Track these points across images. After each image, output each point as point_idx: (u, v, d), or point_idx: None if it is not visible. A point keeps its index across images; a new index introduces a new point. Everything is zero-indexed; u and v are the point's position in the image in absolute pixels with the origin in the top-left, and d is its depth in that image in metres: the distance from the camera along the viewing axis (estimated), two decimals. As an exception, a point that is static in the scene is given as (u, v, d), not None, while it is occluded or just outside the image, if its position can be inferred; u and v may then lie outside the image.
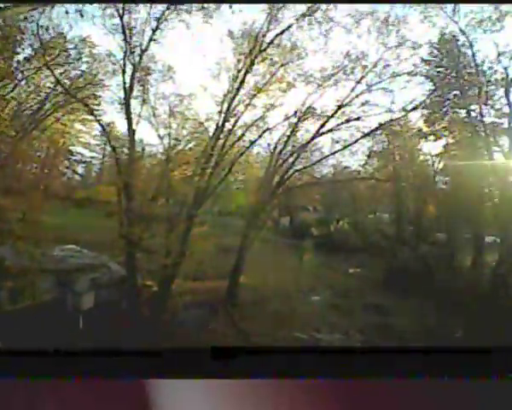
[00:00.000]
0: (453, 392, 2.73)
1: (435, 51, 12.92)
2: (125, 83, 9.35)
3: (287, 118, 10.35)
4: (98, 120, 9.81)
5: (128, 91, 9.32)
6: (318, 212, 17.08)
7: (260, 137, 9.98)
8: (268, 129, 10.01)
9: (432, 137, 13.87)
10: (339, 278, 12.23)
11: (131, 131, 9.23)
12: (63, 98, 13.16)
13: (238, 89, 10.27)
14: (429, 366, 2.86)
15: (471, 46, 10.81)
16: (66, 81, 12.55)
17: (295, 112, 10.47)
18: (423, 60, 12.89)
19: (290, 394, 2.81)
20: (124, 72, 9.34)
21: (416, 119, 13.31)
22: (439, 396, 2.74)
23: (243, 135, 9.94)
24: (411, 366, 2.87)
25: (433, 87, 13.02)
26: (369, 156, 15.19)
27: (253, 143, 9.91)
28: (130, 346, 5.92)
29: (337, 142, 10.92)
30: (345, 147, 11.21)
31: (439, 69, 13.39)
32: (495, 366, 2.84)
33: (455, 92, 13.21)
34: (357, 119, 10.82)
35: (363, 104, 11.27)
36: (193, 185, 9.52)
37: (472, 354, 2.95)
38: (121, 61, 9.41)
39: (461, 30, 10.73)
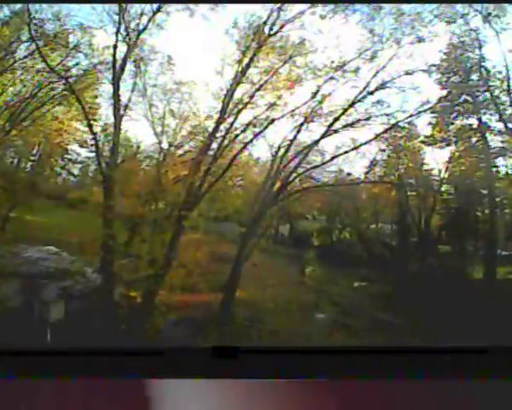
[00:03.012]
0: (453, 392, 2.61)
1: (446, 54, 11.66)
2: (115, 60, 7.76)
3: (293, 110, 8.83)
4: (80, 101, 8.17)
5: (119, 72, 7.72)
6: (318, 220, 15.51)
7: (266, 128, 8.47)
8: (273, 120, 8.50)
9: (440, 144, 12.55)
10: (344, 294, 10.55)
11: (119, 117, 7.64)
12: (60, 90, 11.79)
13: (239, 83, 8.76)
14: (429, 366, 2.73)
15: (497, 34, 9.37)
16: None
17: (298, 107, 8.98)
18: (434, 65, 11.55)
19: (290, 394, 2.68)
20: (115, 47, 7.76)
21: (424, 124, 12.15)
22: (439, 396, 2.61)
23: (245, 130, 8.42)
24: (411, 366, 2.74)
25: (442, 91, 11.71)
26: (372, 164, 13.92)
27: (256, 135, 8.41)
28: (131, 345, 5.39)
29: (353, 140, 9.42)
30: (353, 148, 9.74)
31: (448, 74, 12.15)
32: (495, 366, 2.70)
33: (465, 97, 11.95)
34: (368, 118, 9.35)
35: (372, 105, 9.81)
36: (185, 185, 7.94)
37: (472, 354, 2.84)
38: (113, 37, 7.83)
39: (484, 18, 9.31)
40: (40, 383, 2.68)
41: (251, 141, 8.39)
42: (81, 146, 15.46)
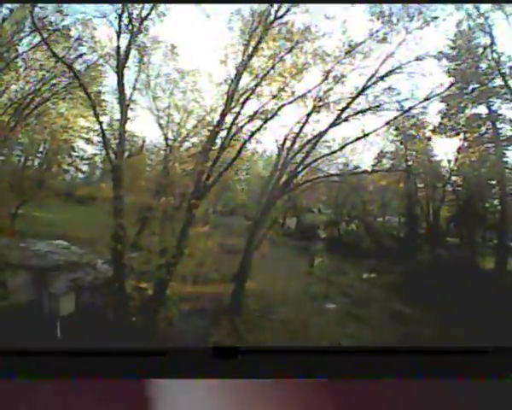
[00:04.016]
0: (453, 392, 2.58)
1: (455, 41, 11.36)
2: (119, 48, 7.57)
3: (302, 95, 8.59)
4: (87, 92, 7.99)
5: (123, 59, 7.51)
6: (324, 213, 15.29)
7: (275, 114, 8.24)
8: (280, 107, 8.28)
9: (449, 133, 12.26)
10: (353, 284, 10.37)
11: (124, 106, 7.47)
12: (64, 85, 11.62)
13: (244, 69, 8.50)
14: (429, 366, 2.69)
15: (507, 17, 9.06)
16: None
17: (310, 91, 8.72)
18: (441, 52, 11.22)
19: (290, 394, 2.64)
20: (119, 34, 7.57)
21: (433, 114, 11.86)
22: (439, 396, 2.58)
23: (251, 119, 8.19)
24: (411, 366, 2.71)
25: (451, 79, 11.40)
26: (380, 155, 13.65)
27: (266, 121, 8.17)
28: (133, 346, 5.26)
29: (362, 130, 9.18)
30: (363, 136, 9.48)
31: (457, 62, 11.83)
32: (495, 367, 2.67)
33: (475, 85, 11.62)
34: (379, 106, 9.11)
35: (382, 92, 9.54)
36: (193, 176, 7.78)
37: (472, 354, 2.83)
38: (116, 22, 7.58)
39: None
40: (40, 383, 2.66)
41: (259, 129, 8.16)
42: (87, 142, 15.45)
